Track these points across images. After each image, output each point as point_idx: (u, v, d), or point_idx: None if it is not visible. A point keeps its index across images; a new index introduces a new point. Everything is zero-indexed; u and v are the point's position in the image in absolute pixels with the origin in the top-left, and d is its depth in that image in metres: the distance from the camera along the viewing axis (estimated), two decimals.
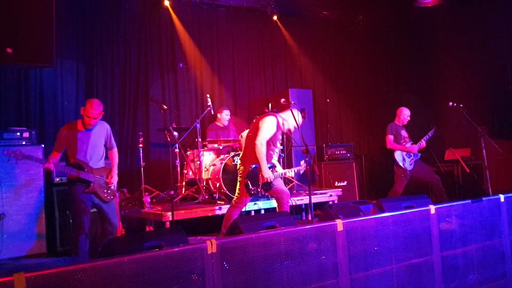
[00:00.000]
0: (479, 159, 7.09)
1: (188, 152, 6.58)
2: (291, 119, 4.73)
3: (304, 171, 4.69)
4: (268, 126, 4.58)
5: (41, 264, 4.98)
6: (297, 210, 6.70)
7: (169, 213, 5.08)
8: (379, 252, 2.94)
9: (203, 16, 7.99)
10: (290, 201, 5.83)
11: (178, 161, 6.37)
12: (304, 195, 6.52)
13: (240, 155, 4.92)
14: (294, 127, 4.80)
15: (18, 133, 5.37)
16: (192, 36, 7.82)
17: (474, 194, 6.65)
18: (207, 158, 6.43)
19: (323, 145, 8.01)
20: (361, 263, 2.85)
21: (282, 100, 6.15)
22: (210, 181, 6.20)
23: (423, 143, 6.48)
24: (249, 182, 4.52)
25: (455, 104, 6.44)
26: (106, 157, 4.57)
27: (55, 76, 6.45)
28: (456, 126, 8.00)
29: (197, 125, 6.35)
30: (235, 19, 8.36)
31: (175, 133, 6.06)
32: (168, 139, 6.34)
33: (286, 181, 7.11)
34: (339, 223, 2.79)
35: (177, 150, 6.31)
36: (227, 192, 5.84)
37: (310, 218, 5.33)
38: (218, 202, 5.93)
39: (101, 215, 4.40)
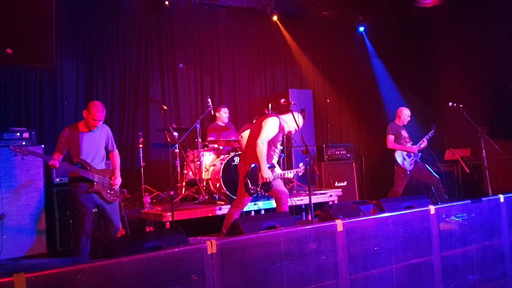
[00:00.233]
0: (479, 159, 7.09)
1: (188, 152, 6.58)
2: (292, 121, 4.77)
3: (305, 171, 4.70)
4: (270, 127, 4.61)
5: (41, 265, 4.99)
6: (297, 210, 6.69)
7: (169, 214, 5.08)
8: (379, 252, 2.94)
9: (203, 16, 7.99)
10: (289, 201, 5.84)
11: (178, 161, 6.37)
12: (304, 195, 6.52)
13: (241, 154, 4.93)
14: (295, 129, 4.82)
15: (18, 134, 5.37)
16: (192, 36, 7.82)
17: (474, 194, 6.68)
18: (207, 159, 6.43)
19: (323, 145, 8.01)
20: (361, 263, 2.85)
21: (282, 100, 6.15)
22: (210, 182, 6.20)
23: (424, 142, 6.49)
24: (248, 181, 4.53)
25: (455, 104, 6.45)
26: (107, 158, 4.58)
27: (55, 77, 6.45)
28: (456, 126, 8.01)
29: (197, 125, 6.36)
30: (235, 19, 8.36)
31: (175, 134, 6.07)
32: (168, 139, 6.34)
33: (286, 181, 7.12)
34: (339, 223, 2.79)
35: (177, 150, 6.32)
36: (227, 192, 5.84)
37: (310, 218, 5.33)
38: (218, 202, 5.93)
39: (103, 216, 4.41)
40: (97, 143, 4.39)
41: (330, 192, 6.95)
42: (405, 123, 6.71)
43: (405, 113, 6.69)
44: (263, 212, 6.01)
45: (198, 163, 6.34)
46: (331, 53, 9.42)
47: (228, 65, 8.25)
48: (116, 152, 4.64)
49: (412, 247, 3.11)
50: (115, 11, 7.13)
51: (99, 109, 4.26)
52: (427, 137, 6.51)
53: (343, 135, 9.36)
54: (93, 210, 4.42)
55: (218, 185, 5.97)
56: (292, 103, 6.63)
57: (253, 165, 4.55)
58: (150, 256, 2.17)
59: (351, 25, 9.47)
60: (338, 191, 7.11)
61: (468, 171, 7.52)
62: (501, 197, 3.68)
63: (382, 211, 3.43)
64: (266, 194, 4.81)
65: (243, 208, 4.80)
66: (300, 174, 4.94)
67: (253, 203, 5.90)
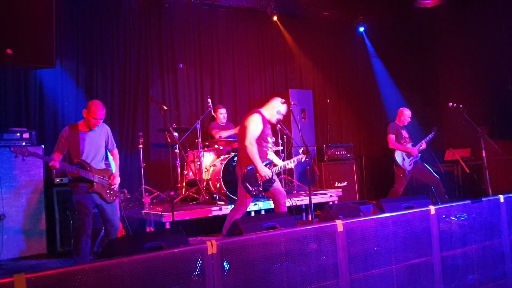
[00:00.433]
0: (479, 159, 7.09)
1: (188, 153, 6.59)
2: (274, 109, 4.71)
3: (305, 172, 4.70)
4: (253, 125, 4.55)
5: (42, 265, 4.99)
6: (297, 210, 6.69)
7: (169, 214, 5.08)
8: (379, 252, 2.94)
9: (203, 17, 7.99)
10: (289, 202, 5.84)
11: (178, 161, 6.37)
12: (304, 196, 6.52)
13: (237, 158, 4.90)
14: (282, 114, 4.76)
15: (18, 134, 5.38)
16: (192, 36, 7.82)
17: (474, 195, 6.68)
18: (207, 159, 6.44)
19: (323, 145, 8.02)
20: (361, 263, 2.85)
21: (282, 100, 6.16)
22: (210, 182, 6.20)
23: (423, 144, 6.49)
24: (248, 184, 4.51)
25: (455, 105, 6.45)
26: (106, 158, 4.58)
27: (55, 77, 6.45)
28: (456, 126, 8.00)
29: (197, 125, 6.36)
30: (235, 20, 8.36)
31: (175, 134, 6.07)
32: (168, 139, 6.35)
33: (287, 181, 7.12)
34: (339, 224, 2.79)
35: (177, 150, 6.32)
36: (227, 192, 5.84)
37: (310, 219, 5.33)
38: (218, 202, 5.93)
39: (102, 216, 4.40)
40: (97, 143, 4.38)
41: (330, 192, 6.95)
42: (406, 124, 6.72)
43: (406, 114, 6.70)
44: (263, 212, 6.01)
45: (198, 163, 6.34)
46: (331, 53, 9.42)
47: (228, 65, 8.25)
48: (116, 151, 4.63)
49: (412, 247, 3.11)
50: (115, 11, 7.13)
51: (99, 107, 4.25)
52: (427, 139, 6.52)
53: (343, 135, 9.36)
54: (93, 211, 4.41)
55: (218, 185, 5.97)
56: (292, 103, 6.66)
57: (249, 167, 4.51)
58: (150, 256, 2.17)
59: (351, 25, 9.46)
60: (338, 191, 7.11)
61: (468, 171, 7.52)
62: (501, 197, 3.68)
63: (382, 211, 3.43)
64: (264, 194, 4.80)
65: (245, 210, 4.78)
66: (302, 160, 4.91)
67: (253, 204, 5.90)
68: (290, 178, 7.20)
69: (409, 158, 6.47)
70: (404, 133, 6.64)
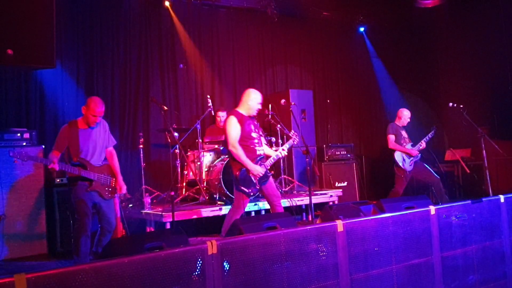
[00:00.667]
0: (479, 159, 7.09)
1: (189, 153, 6.59)
2: (249, 102, 4.65)
3: (305, 172, 4.70)
4: (230, 128, 4.53)
5: (42, 265, 4.99)
6: (297, 210, 6.70)
7: (170, 214, 5.08)
8: (379, 252, 2.94)
9: (204, 17, 7.99)
10: (289, 202, 5.85)
11: (178, 161, 6.37)
12: (304, 196, 6.52)
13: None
14: (259, 103, 4.70)
15: (19, 134, 5.38)
16: (192, 36, 7.82)
17: (474, 195, 6.68)
18: (208, 159, 6.44)
19: (324, 145, 8.02)
20: (361, 263, 2.85)
21: (283, 101, 6.18)
22: (210, 182, 6.21)
23: (423, 144, 6.49)
24: (243, 187, 4.50)
25: (455, 105, 6.46)
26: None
27: (55, 77, 6.45)
28: (456, 126, 8.01)
29: (198, 125, 6.36)
30: (236, 20, 8.37)
31: (176, 134, 6.07)
32: (169, 139, 6.35)
33: (287, 181, 7.12)
34: (339, 224, 2.79)
35: (177, 150, 6.32)
36: (227, 192, 5.84)
37: (310, 219, 5.34)
38: (219, 202, 5.93)
39: (99, 213, 4.37)
40: (96, 140, 4.36)
41: (330, 192, 6.95)
42: (405, 124, 6.72)
43: (405, 114, 6.70)
44: (263, 212, 6.01)
45: (199, 163, 6.34)
46: (331, 53, 9.42)
47: (229, 65, 8.25)
48: (112, 149, 4.55)
49: (413, 247, 3.11)
50: (116, 11, 7.13)
51: (98, 104, 4.23)
52: (426, 138, 6.52)
53: (344, 136, 9.37)
54: (92, 211, 4.41)
55: (218, 185, 5.98)
56: (293, 103, 6.69)
57: (242, 170, 4.50)
58: (150, 256, 2.17)
59: (352, 25, 9.46)
60: (339, 192, 7.11)
61: (468, 171, 7.52)
62: (502, 198, 3.68)
63: (383, 212, 3.43)
64: (260, 194, 4.79)
65: (243, 212, 4.76)
66: (295, 142, 4.87)
67: (253, 204, 5.91)
68: (290, 178, 7.21)
69: (409, 158, 6.47)
70: (404, 133, 6.64)
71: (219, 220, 5.22)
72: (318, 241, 2.71)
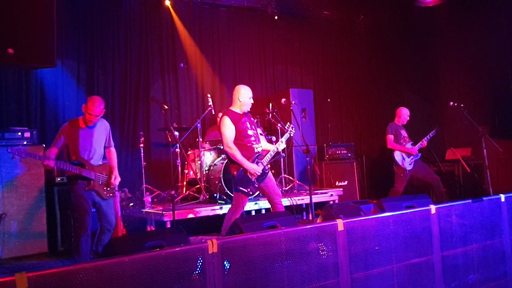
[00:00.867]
0: (479, 158, 7.09)
1: (189, 152, 6.59)
2: (240, 99, 4.62)
3: (305, 171, 4.70)
4: (224, 129, 4.50)
5: (43, 264, 4.99)
6: (298, 209, 6.70)
7: (170, 213, 5.09)
8: (380, 251, 2.94)
9: (204, 16, 7.99)
10: (290, 201, 5.85)
11: (179, 160, 6.37)
12: (305, 195, 6.53)
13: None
14: (250, 98, 4.69)
15: (19, 133, 5.38)
16: (193, 36, 7.82)
17: (474, 194, 6.67)
18: (208, 158, 6.44)
19: (324, 145, 8.02)
20: (361, 262, 2.85)
21: (283, 100, 6.17)
22: (211, 181, 6.21)
23: (424, 142, 6.49)
24: (241, 187, 4.50)
25: (455, 104, 6.46)
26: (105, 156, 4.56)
27: (56, 76, 6.46)
28: (456, 125, 8.01)
29: (198, 125, 6.36)
30: (236, 19, 8.37)
31: (176, 133, 6.07)
32: (169, 139, 6.36)
33: (287, 180, 7.12)
34: (340, 223, 2.79)
35: (178, 150, 6.32)
36: (228, 191, 5.84)
37: (310, 218, 5.34)
38: (219, 201, 5.94)
39: (99, 212, 4.38)
40: (96, 139, 4.35)
41: (330, 191, 6.95)
42: (404, 123, 6.72)
43: (404, 113, 6.70)
44: (264, 211, 6.01)
45: (199, 162, 6.34)
46: (331, 52, 9.42)
47: (229, 64, 8.25)
48: (113, 149, 4.57)
49: (413, 246, 3.11)
50: (116, 10, 7.13)
51: (96, 104, 4.22)
52: (427, 138, 6.52)
53: (344, 135, 9.37)
54: (92, 209, 4.41)
55: (219, 184, 5.98)
56: (293, 102, 6.68)
57: (239, 170, 4.49)
58: (151, 255, 2.17)
59: (352, 24, 9.46)
60: (339, 191, 7.11)
61: (469, 170, 7.52)
62: (502, 197, 3.68)
63: (383, 211, 3.43)
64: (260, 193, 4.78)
65: (242, 211, 4.75)
66: (291, 134, 4.86)
67: (254, 203, 5.91)
68: (290, 178, 7.21)
69: (409, 157, 6.47)
70: (403, 132, 6.64)
71: (219, 219, 5.22)
72: (319, 240, 2.71)
